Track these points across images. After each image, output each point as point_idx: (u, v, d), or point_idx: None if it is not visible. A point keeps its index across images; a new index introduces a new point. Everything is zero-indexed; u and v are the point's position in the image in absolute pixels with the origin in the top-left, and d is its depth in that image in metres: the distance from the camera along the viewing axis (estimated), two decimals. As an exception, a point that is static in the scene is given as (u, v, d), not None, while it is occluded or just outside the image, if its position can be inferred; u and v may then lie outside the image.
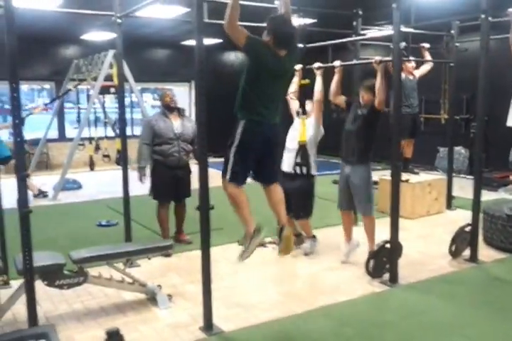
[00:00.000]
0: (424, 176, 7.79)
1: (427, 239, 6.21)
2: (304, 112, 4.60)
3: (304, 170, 4.72)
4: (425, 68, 7.50)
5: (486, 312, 4.10)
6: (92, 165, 9.72)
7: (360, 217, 5.51)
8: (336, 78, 5.28)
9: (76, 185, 9.83)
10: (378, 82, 4.86)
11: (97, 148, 10.26)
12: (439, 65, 7.99)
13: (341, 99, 5.30)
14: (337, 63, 5.33)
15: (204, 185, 3.66)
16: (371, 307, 4.28)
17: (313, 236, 5.65)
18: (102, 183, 10.20)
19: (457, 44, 7.49)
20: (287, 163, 5.38)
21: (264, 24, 3.65)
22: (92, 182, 10.31)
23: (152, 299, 4.31)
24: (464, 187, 8.25)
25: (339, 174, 5.39)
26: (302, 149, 4.58)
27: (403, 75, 6.68)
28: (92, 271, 4.12)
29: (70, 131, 13.01)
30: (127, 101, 9.77)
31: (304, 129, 4.55)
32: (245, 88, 3.68)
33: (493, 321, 3.95)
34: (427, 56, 7.43)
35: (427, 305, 4.27)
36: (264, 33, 3.64)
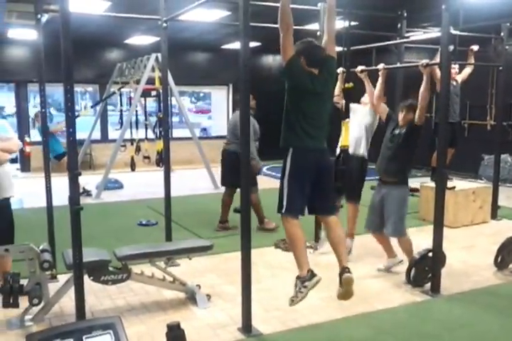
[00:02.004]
0: (467, 184, 7.64)
1: (471, 249, 6.07)
2: (347, 116, 4.61)
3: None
4: (466, 72, 7.38)
5: None
6: (133, 166, 9.88)
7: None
8: (379, 81, 5.26)
9: (118, 185, 10.07)
10: (423, 86, 4.82)
11: (138, 149, 10.43)
12: (486, 68, 7.80)
13: (384, 109, 5.23)
14: (381, 66, 5.30)
15: (245, 187, 3.72)
16: (412, 316, 4.22)
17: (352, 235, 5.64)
18: (142, 184, 10.42)
19: (507, 47, 7.31)
20: None
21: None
22: (132, 182, 10.53)
23: (191, 298, 4.40)
24: (510, 196, 8.06)
25: (374, 193, 5.20)
26: (344, 154, 4.57)
27: None
28: (135, 268, 4.22)
29: (112, 133, 13.26)
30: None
31: (346, 134, 4.55)
32: (287, 111, 3.75)
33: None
34: (472, 59, 7.33)
35: (472, 317, 4.17)
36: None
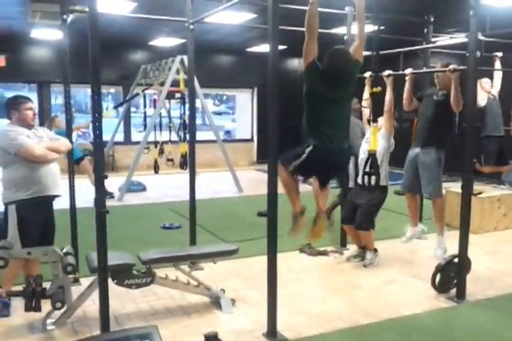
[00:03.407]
0: (492, 190, 7.55)
1: (495, 255, 5.99)
2: (375, 120, 4.57)
3: (373, 180, 4.69)
4: (497, 80, 7.26)
5: None
6: (156, 169, 9.89)
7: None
8: (407, 86, 5.24)
9: (141, 187, 10.08)
10: (453, 92, 4.76)
11: (161, 151, 10.45)
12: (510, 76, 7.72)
13: (415, 103, 5.36)
14: (409, 71, 5.25)
15: (272, 191, 3.67)
16: (438, 322, 4.16)
17: (375, 250, 5.58)
18: (165, 186, 10.42)
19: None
20: (360, 174, 5.39)
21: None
22: (155, 185, 10.53)
23: (216, 303, 4.35)
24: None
25: (407, 158, 5.47)
26: (372, 158, 4.55)
27: (486, 95, 6.56)
28: (159, 272, 4.19)
29: (135, 135, 13.33)
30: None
31: (374, 138, 4.52)
32: (306, 110, 3.88)
33: None
34: (498, 65, 7.21)
35: (499, 323, 4.10)
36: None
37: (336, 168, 4.29)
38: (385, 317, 4.20)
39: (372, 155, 4.50)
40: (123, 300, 4.42)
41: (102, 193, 3.21)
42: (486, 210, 7.00)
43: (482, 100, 6.96)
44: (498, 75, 7.22)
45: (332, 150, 3.87)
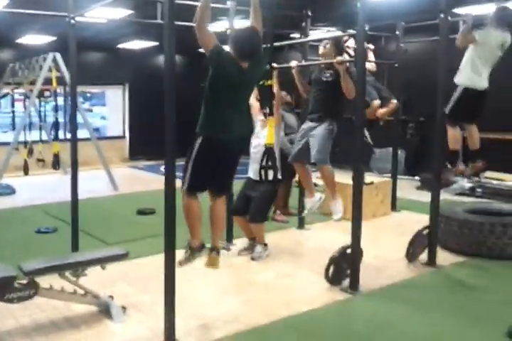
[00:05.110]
0: (368, 178, 7.81)
1: (379, 242, 6.11)
2: (271, 113, 4.52)
3: (271, 174, 4.63)
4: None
5: (458, 321, 4.03)
6: (26, 170, 9.31)
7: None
8: (297, 79, 5.41)
9: (9, 190, 9.32)
10: (343, 83, 4.86)
11: (31, 152, 9.91)
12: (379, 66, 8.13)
13: (308, 87, 5.44)
14: (293, 63, 5.33)
15: (169, 187, 3.49)
16: (338, 316, 4.16)
17: (265, 244, 5.58)
18: (36, 188, 9.77)
19: (402, 45, 7.67)
20: (253, 169, 5.39)
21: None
22: (26, 187, 9.80)
23: (105, 311, 4.06)
24: (402, 188, 8.40)
25: (299, 130, 5.54)
26: (269, 152, 4.48)
27: None
28: (41, 281, 3.81)
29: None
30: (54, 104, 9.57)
31: (271, 131, 4.48)
32: (208, 100, 3.75)
33: (468, 330, 3.89)
34: (372, 57, 7.50)
35: (397, 314, 4.16)
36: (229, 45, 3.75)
37: (231, 157, 4.08)
38: (283, 315, 4.12)
39: (269, 149, 4.46)
40: (1, 315, 3.99)
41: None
42: (365, 198, 7.00)
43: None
44: (371, 64, 7.51)
45: (226, 137, 3.83)
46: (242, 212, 5.55)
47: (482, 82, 5.42)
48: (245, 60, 3.73)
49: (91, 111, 19.35)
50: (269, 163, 4.54)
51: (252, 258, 5.48)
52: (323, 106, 5.20)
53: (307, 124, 5.38)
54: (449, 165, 7.80)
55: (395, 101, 6.91)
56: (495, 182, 8.70)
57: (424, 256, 5.35)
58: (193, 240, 4.01)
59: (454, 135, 5.69)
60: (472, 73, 5.37)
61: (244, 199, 5.53)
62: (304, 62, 6.02)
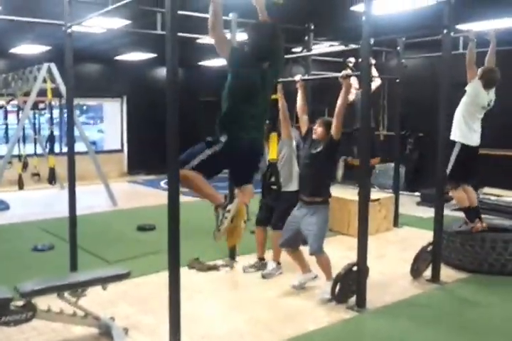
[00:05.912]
0: (373, 194, 7.74)
1: (383, 259, 6.04)
2: (274, 128, 4.39)
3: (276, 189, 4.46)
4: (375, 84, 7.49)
5: (464, 337, 3.98)
6: (20, 184, 9.13)
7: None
8: (300, 93, 5.12)
9: (3, 206, 9.14)
10: (341, 100, 4.70)
11: (25, 165, 9.75)
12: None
13: (305, 121, 5.03)
14: (297, 77, 5.18)
15: (173, 202, 3.37)
16: (346, 335, 4.06)
17: (279, 263, 5.46)
18: (32, 203, 9.59)
19: (403, 60, 7.66)
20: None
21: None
22: (21, 202, 9.63)
23: (105, 333, 3.90)
24: (403, 203, 8.33)
25: (293, 212, 5.02)
26: (272, 167, 4.34)
27: (355, 91, 6.66)
28: (39, 302, 3.66)
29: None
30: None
31: (274, 147, 4.34)
32: (229, 103, 3.51)
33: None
34: (375, 72, 7.43)
35: (404, 331, 4.09)
36: (247, 42, 3.57)
37: (251, 160, 3.73)
38: (291, 334, 4.00)
39: (272, 165, 4.33)
40: (-4, 340, 3.85)
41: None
42: (369, 214, 7.05)
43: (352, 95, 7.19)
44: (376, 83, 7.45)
45: (247, 140, 3.55)
46: (266, 222, 5.48)
47: (476, 139, 5.58)
48: (263, 61, 3.55)
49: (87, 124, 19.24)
50: (272, 179, 4.40)
51: (263, 276, 5.34)
52: (321, 184, 4.86)
53: (300, 211, 4.90)
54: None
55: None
56: (493, 198, 8.66)
57: (428, 273, 5.28)
58: (218, 200, 3.60)
59: (460, 197, 5.69)
60: (466, 130, 5.50)
61: (269, 209, 5.45)
62: (307, 76, 5.93)
